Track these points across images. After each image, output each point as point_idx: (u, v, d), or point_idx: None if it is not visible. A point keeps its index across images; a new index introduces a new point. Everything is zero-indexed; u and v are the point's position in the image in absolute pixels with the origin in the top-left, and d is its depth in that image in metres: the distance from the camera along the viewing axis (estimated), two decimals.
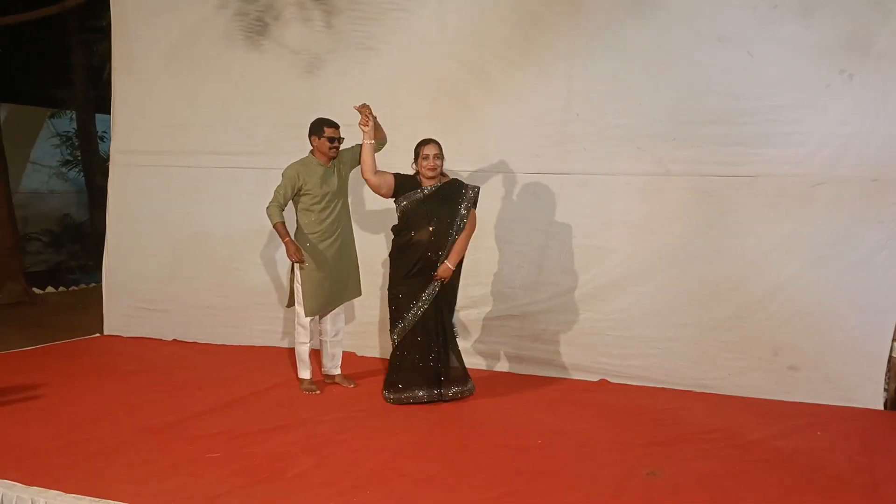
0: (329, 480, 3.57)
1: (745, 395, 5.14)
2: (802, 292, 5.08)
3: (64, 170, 12.84)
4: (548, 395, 5.18)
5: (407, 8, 5.95)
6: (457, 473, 3.70)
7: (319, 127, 5.11)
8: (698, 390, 5.25)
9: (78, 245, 12.02)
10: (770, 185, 5.13)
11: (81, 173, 12.59)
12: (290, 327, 6.36)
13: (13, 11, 8.53)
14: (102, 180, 7.15)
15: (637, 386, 5.38)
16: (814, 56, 4.99)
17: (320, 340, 5.37)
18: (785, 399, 5.05)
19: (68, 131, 12.71)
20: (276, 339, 6.46)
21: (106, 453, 3.89)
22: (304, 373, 5.23)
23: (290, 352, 6.17)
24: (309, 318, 5.14)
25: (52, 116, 12.75)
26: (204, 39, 6.58)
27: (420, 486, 3.54)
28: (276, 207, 4.97)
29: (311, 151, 5.17)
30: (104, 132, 8.35)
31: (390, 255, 5.04)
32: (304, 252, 4.99)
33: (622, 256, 5.50)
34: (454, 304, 5.03)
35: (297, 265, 5.03)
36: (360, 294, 5.46)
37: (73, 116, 12.42)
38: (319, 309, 5.17)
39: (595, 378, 5.53)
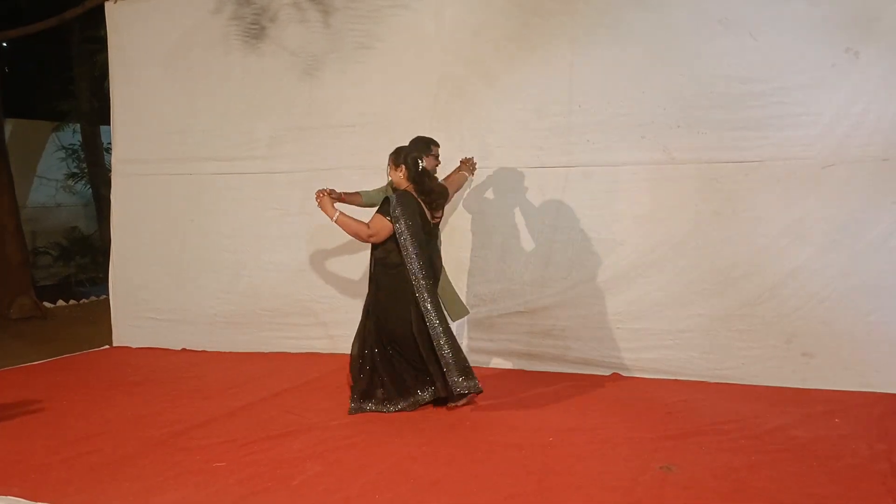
0: (335, 487, 3.50)
1: (759, 384, 5.04)
2: (816, 278, 4.97)
3: (70, 182, 12.83)
4: (559, 391, 5.10)
5: (404, 4, 5.88)
6: (466, 475, 3.62)
7: (426, 146, 4.99)
8: (712, 381, 5.16)
9: (87, 258, 12.02)
10: (779, 169, 5.02)
11: (88, 185, 12.59)
12: (296, 332, 6.32)
13: (13, 26, 8.51)
14: (109, 192, 7.12)
15: (650, 379, 5.30)
16: (819, 35, 4.88)
17: None
18: (801, 386, 4.95)
19: (73, 144, 12.71)
20: (284, 345, 6.38)
21: (110, 466, 3.84)
22: None
23: (298, 357, 6.16)
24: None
25: (55, 129, 12.75)
26: (200, 45, 6.53)
27: (429, 490, 3.46)
28: None
29: None
30: (109, 143, 8.30)
31: None
32: None
33: (630, 248, 5.40)
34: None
35: None
36: (467, 311, 5.17)
37: (77, 129, 12.42)
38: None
39: (607, 372, 5.44)
